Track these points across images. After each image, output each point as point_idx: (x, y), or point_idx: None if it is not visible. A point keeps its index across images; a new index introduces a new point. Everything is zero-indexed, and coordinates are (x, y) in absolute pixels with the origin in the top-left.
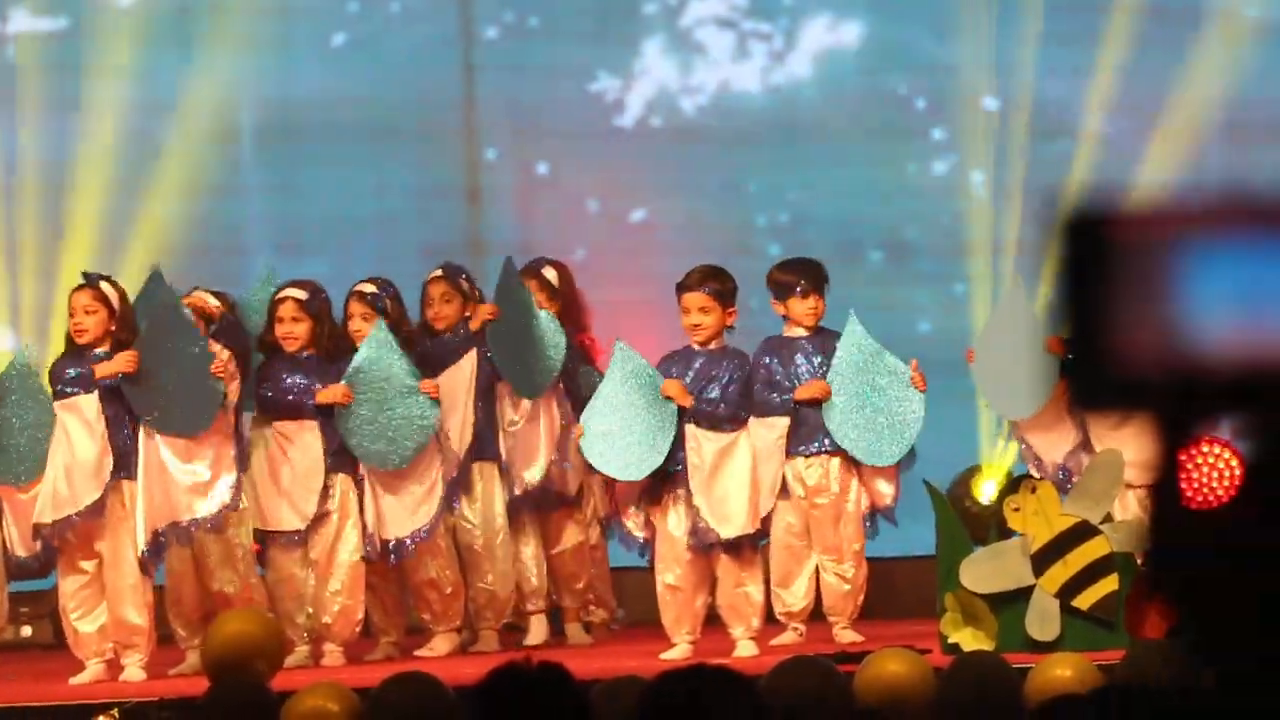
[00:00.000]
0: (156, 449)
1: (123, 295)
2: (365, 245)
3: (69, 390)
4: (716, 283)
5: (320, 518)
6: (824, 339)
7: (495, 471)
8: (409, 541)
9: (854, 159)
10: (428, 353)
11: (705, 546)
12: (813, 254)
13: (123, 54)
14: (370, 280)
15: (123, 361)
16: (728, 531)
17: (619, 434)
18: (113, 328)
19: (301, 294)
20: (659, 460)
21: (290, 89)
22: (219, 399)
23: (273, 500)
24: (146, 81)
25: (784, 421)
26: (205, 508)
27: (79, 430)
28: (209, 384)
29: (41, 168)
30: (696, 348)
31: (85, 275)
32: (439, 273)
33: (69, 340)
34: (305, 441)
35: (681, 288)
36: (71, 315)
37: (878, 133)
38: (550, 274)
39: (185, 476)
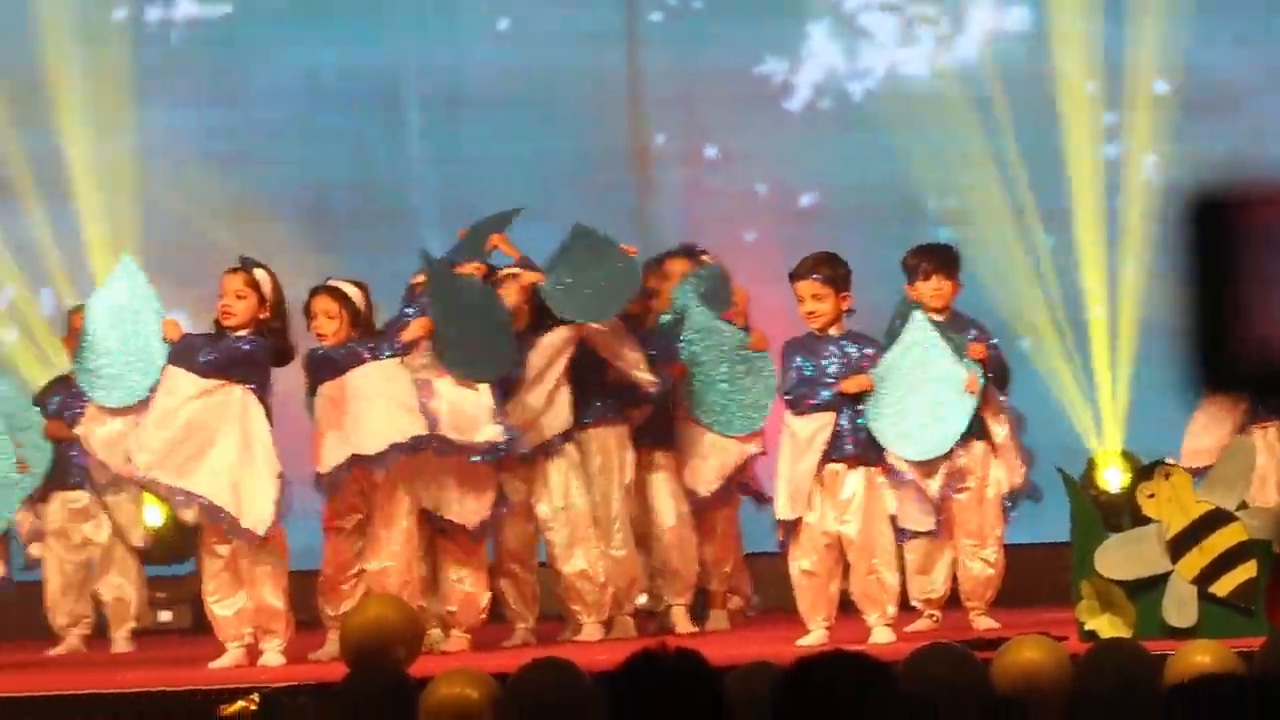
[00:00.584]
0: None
1: (275, 282)
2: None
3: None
4: (827, 269)
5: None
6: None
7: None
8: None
9: (1023, 142)
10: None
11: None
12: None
13: (284, 36)
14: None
15: (419, 327)
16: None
17: (911, 413)
18: (263, 315)
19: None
20: (951, 438)
21: (458, 73)
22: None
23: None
24: (307, 62)
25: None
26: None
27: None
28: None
29: (207, 147)
30: (818, 334)
31: (241, 259)
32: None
33: (215, 322)
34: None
35: (793, 276)
36: (221, 296)
37: (1046, 116)
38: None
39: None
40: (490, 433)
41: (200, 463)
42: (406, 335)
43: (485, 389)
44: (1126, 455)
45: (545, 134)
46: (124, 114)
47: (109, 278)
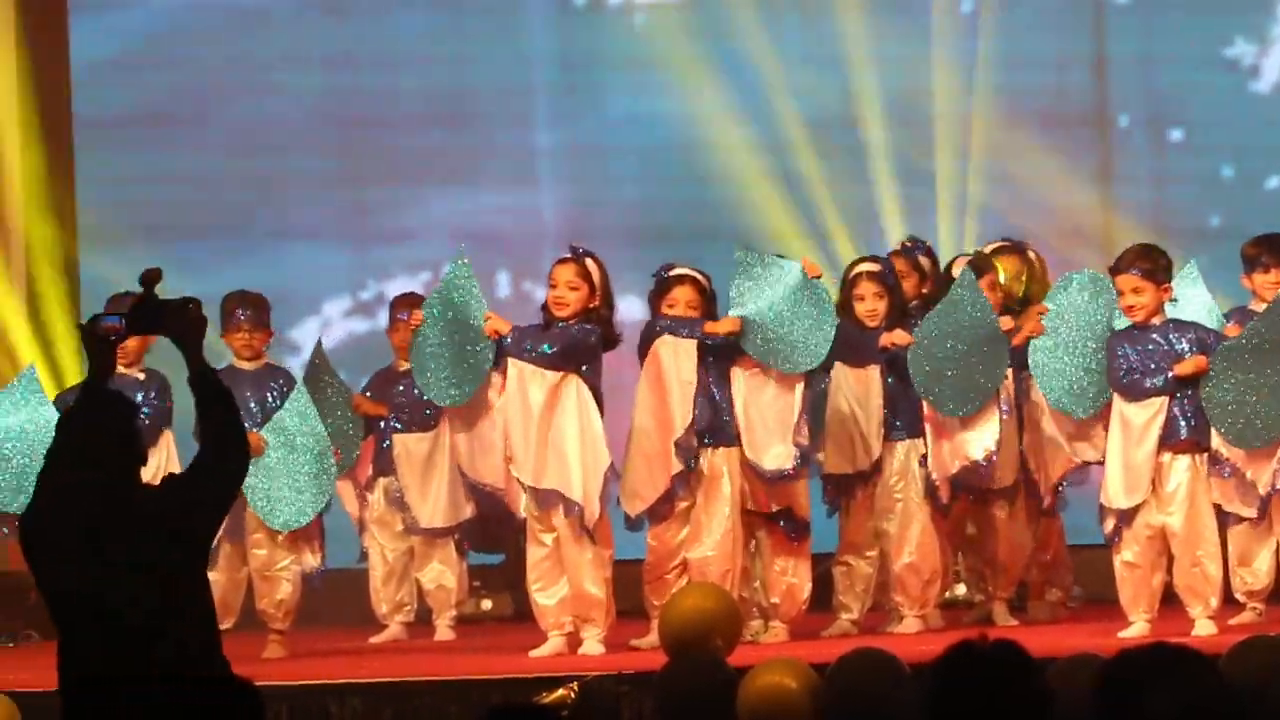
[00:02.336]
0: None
1: (603, 270)
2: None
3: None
4: (1147, 262)
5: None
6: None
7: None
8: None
9: None
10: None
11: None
12: None
13: (748, 20)
14: (872, 259)
15: (730, 323)
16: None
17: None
18: (593, 304)
19: (875, 267)
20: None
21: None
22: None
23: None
24: (773, 47)
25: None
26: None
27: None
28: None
29: (678, 131)
30: (1140, 326)
31: (572, 249)
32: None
33: (545, 310)
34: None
35: (1113, 270)
36: (553, 287)
37: None
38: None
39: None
40: (777, 458)
41: (550, 457)
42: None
43: (791, 401)
44: None
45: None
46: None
47: (444, 274)
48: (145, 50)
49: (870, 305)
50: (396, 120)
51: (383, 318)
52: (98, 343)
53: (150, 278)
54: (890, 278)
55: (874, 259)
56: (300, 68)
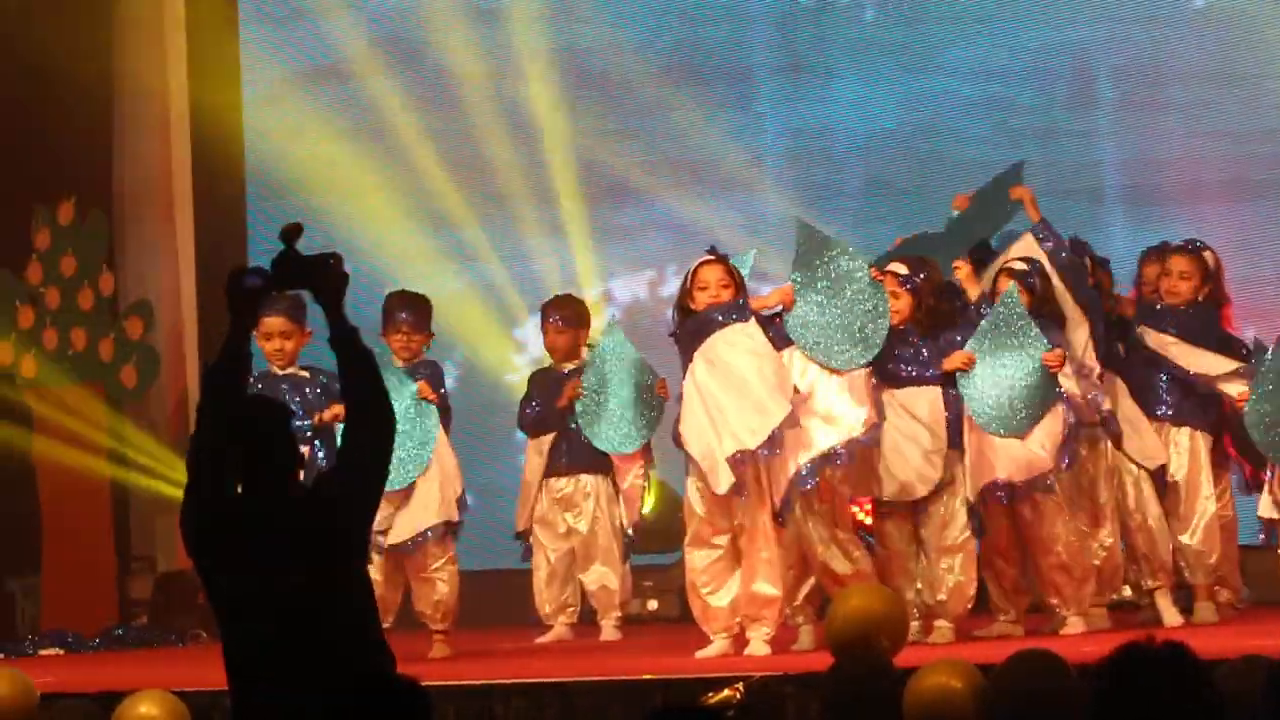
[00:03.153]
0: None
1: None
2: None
3: (722, 319)
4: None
5: (932, 494)
6: None
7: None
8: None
9: None
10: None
11: None
12: None
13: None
14: (905, 260)
15: (781, 294)
16: None
17: None
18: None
19: (903, 269)
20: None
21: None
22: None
23: (887, 470)
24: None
25: None
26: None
27: (742, 356)
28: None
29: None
30: None
31: (712, 250)
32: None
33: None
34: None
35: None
36: (705, 288)
37: None
38: (1209, 257)
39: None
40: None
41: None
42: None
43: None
44: None
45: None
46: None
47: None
48: None
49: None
50: None
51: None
52: (242, 299)
53: (291, 232)
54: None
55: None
56: None
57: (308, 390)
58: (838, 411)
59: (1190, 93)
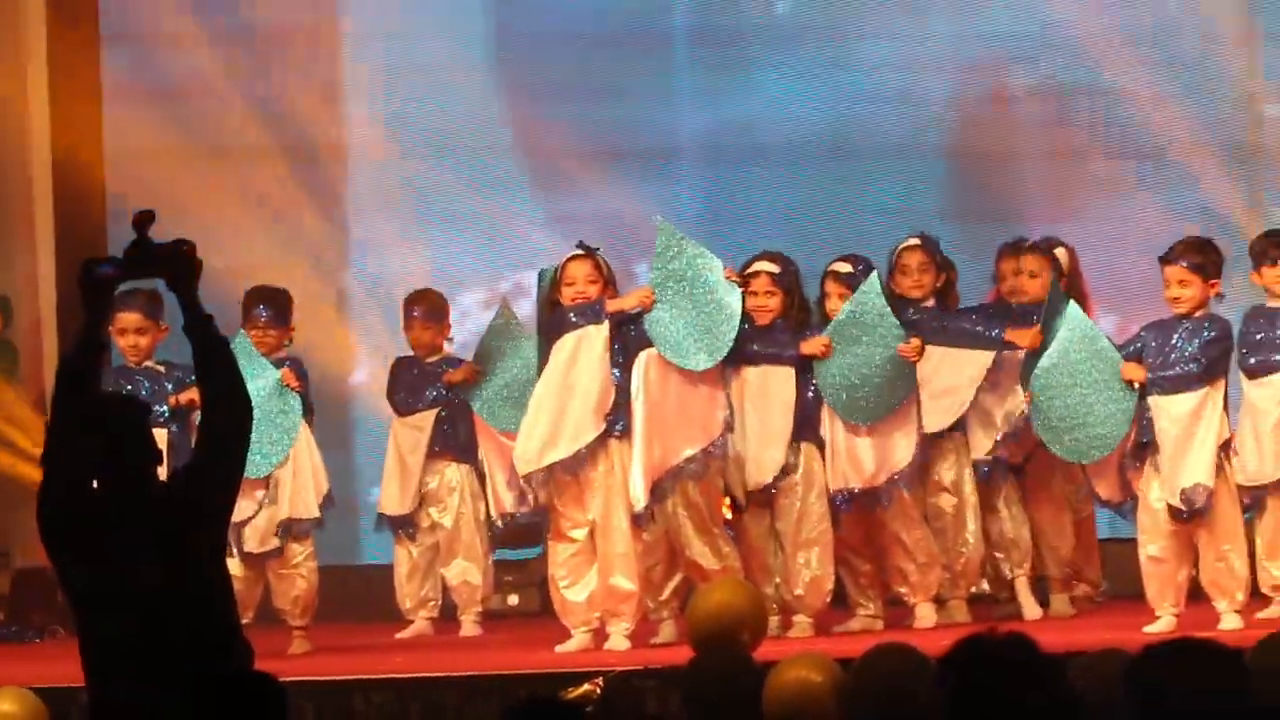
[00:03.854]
0: (665, 391)
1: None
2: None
3: (577, 321)
4: (1197, 256)
5: (789, 487)
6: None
7: (962, 440)
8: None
9: None
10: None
11: (1179, 516)
12: None
13: None
14: (847, 259)
15: (639, 296)
16: (1175, 499)
17: (1074, 413)
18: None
19: (774, 268)
20: (1109, 447)
21: None
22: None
23: (740, 460)
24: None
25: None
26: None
27: (583, 365)
28: (724, 317)
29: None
30: (1179, 319)
31: (582, 245)
32: (916, 242)
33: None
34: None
35: (1163, 260)
36: (572, 283)
37: None
38: (1061, 254)
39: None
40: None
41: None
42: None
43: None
44: None
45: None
46: None
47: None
48: None
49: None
50: None
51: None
52: (94, 289)
53: (142, 220)
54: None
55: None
56: None
57: (165, 384)
58: (696, 413)
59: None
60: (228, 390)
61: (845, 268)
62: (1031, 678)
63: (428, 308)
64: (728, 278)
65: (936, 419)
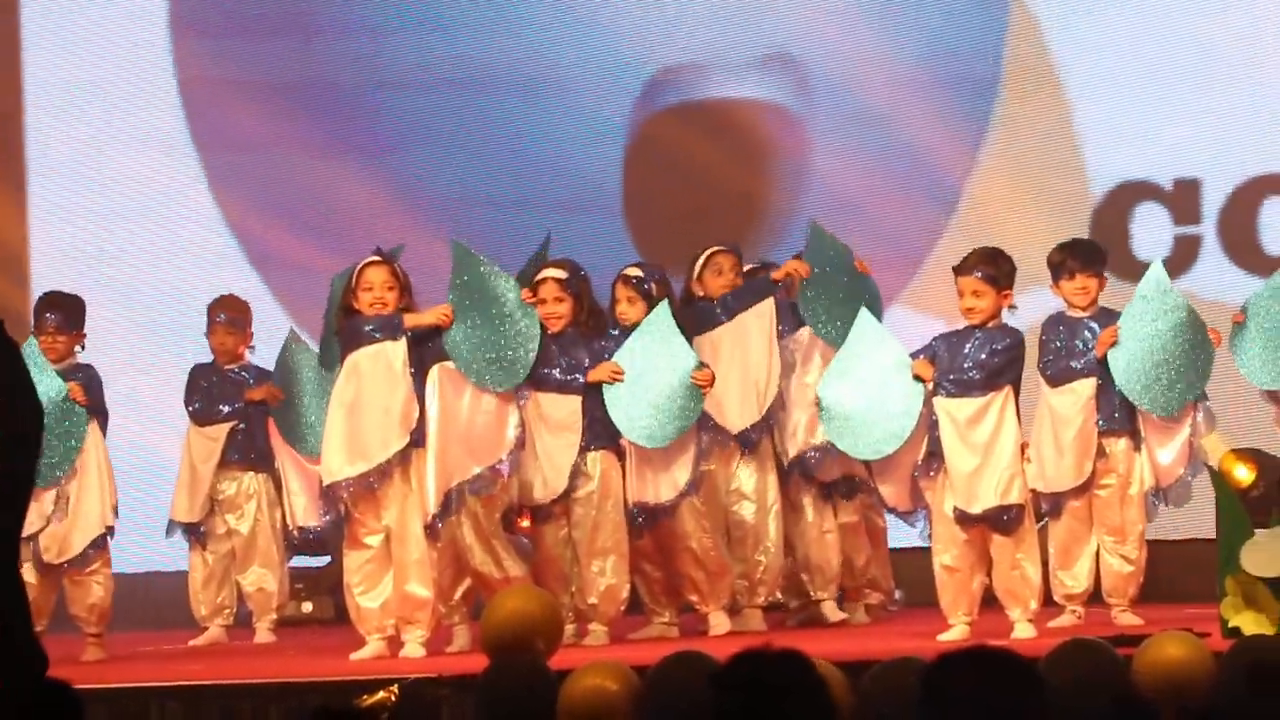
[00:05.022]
0: (458, 407)
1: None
2: None
3: (376, 335)
4: (990, 266)
5: (584, 497)
6: (1109, 318)
7: (769, 447)
8: (661, 508)
9: None
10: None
11: (966, 521)
12: None
13: None
14: (637, 265)
15: (437, 315)
16: (974, 508)
17: (863, 411)
18: (404, 303)
19: (562, 274)
20: (898, 441)
21: None
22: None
23: (531, 474)
24: None
25: (1085, 385)
26: (482, 465)
27: (381, 379)
28: (520, 340)
29: None
30: (972, 329)
31: (378, 251)
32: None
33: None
34: (564, 417)
35: (957, 270)
36: (370, 289)
37: None
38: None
39: (478, 430)
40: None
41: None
42: (412, 320)
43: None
44: (1249, 452)
45: None
46: None
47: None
48: None
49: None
50: None
51: None
52: None
53: None
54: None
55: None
56: None
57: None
58: (486, 429)
59: None
60: (11, 398)
61: (636, 272)
62: (799, 692)
63: (233, 314)
64: (524, 299)
65: (740, 417)
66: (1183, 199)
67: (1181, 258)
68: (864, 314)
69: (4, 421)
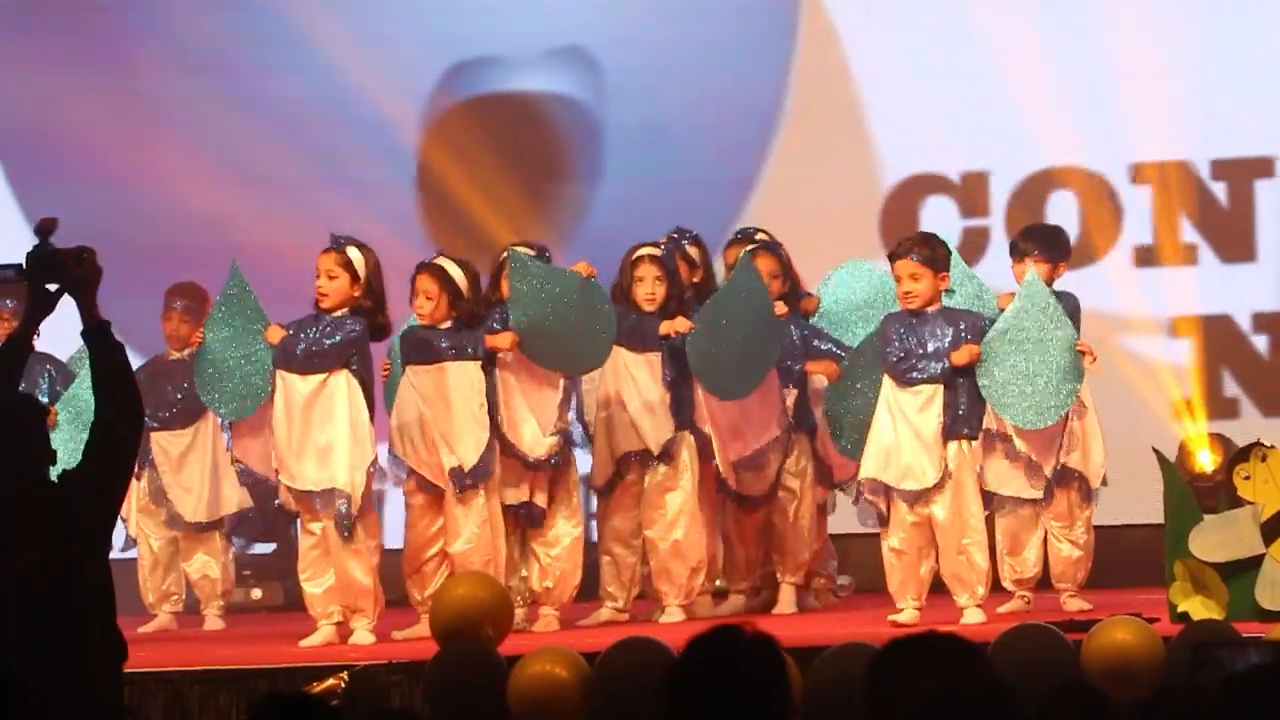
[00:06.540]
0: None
1: (369, 259)
2: None
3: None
4: (926, 249)
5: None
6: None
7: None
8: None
9: None
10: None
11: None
12: None
13: None
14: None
15: (507, 340)
16: (909, 485)
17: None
18: (356, 293)
19: (659, 252)
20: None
21: None
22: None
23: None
24: None
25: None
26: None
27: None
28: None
29: None
30: (911, 314)
31: (334, 238)
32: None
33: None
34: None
35: (892, 256)
36: (315, 276)
37: None
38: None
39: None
40: (541, 446)
41: (313, 455)
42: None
43: (553, 396)
44: (1218, 438)
45: None
46: None
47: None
48: None
49: (649, 289)
50: None
51: None
52: (34, 294)
53: (45, 226)
54: (671, 262)
55: (655, 244)
56: None
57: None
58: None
59: None
60: (126, 396)
61: (656, 250)
62: (759, 673)
63: (189, 300)
64: (586, 274)
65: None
66: (971, 191)
67: (970, 249)
68: (1035, 280)
69: (114, 418)
